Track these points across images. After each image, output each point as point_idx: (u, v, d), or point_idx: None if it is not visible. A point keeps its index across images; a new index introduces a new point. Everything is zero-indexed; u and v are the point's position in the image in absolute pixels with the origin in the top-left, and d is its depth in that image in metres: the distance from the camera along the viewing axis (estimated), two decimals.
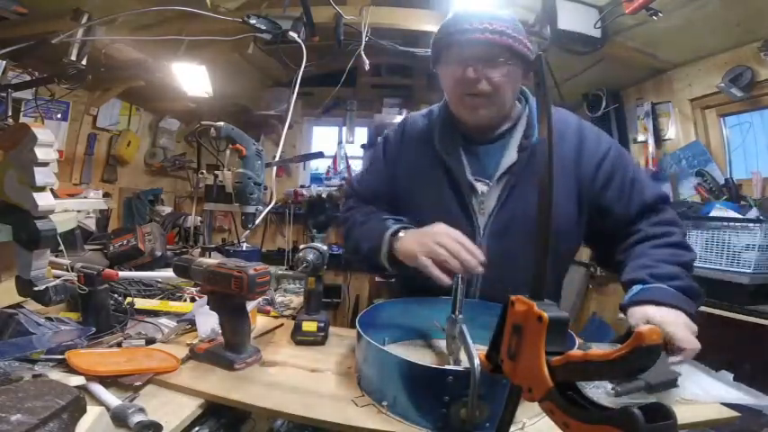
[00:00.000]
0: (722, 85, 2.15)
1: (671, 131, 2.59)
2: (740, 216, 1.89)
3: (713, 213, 1.96)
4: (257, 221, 1.53)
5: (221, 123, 1.43)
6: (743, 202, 2.11)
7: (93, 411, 0.56)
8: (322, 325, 0.99)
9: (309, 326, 0.99)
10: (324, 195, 3.60)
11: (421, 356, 0.88)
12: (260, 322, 1.10)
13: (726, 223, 1.85)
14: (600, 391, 0.72)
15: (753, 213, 1.90)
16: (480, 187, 1.02)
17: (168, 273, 1.25)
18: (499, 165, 1.01)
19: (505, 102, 1.00)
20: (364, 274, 3.78)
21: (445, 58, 1.00)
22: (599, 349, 0.35)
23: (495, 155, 1.03)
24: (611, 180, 1.00)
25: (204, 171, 1.79)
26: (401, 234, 0.96)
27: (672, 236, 0.96)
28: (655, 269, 0.88)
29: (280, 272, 1.42)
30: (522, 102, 1.09)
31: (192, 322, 1.00)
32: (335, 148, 3.99)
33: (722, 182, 2.29)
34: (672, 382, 0.77)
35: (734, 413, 0.73)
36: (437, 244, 0.85)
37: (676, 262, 0.90)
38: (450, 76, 0.99)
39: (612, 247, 1.02)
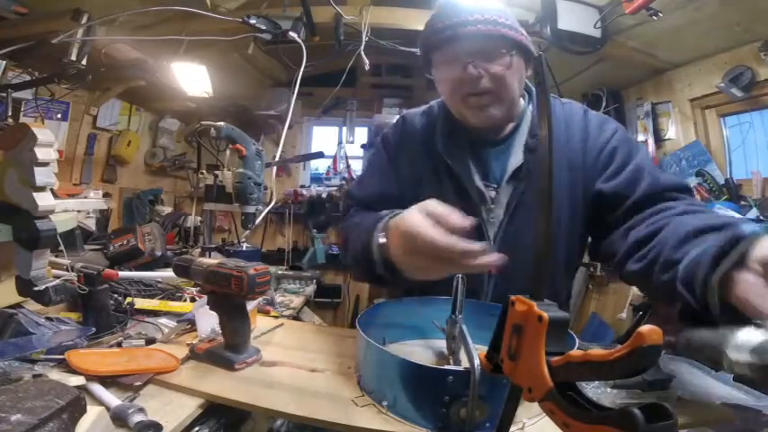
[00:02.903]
0: (722, 84, 2.15)
1: (671, 131, 2.60)
2: (740, 216, 1.89)
3: None
4: (257, 221, 1.53)
5: (221, 123, 1.43)
6: (743, 203, 2.11)
7: (93, 411, 0.56)
8: None
9: None
10: (324, 195, 3.61)
11: (421, 356, 0.88)
12: (260, 322, 1.10)
13: None
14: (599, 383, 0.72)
15: (753, 213, 1.90)
16: (488, 193, 0.94)
17: (168, 273, 1.25)
18: (506, 168, 0.94)
19: (514, 97, 0.92)
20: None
21: (439, 58, 0.92)
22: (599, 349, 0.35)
23: (501, 157, 0.95)
24: (612, 159, 0.90)
25: (204, 171, 1.79)
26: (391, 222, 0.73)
27: (705, 212, 0.78)
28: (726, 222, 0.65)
29: (280, 272, 1.42)
30: (526, 98, 1.01)
31: (192, 322, 1.00)
32: (335, 148, 4.00)
33: (722, 182, 2.29)
34: (668, 380, 0.77)
35: (734, 413, 0.73)
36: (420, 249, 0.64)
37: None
38: (449, 78, 0.91)
39: (609, 236, 0.87)
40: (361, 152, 3.96)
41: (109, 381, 0.72)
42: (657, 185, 0.85)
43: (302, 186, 3.90)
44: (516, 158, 0.93)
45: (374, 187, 1.02)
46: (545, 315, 0.37)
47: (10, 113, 2.10)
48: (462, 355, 0.78)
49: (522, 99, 1.00)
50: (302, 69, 1.61)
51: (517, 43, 0.88)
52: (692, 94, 2.43)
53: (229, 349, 0.84)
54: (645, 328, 0.30)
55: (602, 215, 0.90)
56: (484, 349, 0.49)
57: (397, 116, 1.12)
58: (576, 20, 2.09)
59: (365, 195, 1.02)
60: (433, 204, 0.66)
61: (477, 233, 0.90)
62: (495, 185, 0.94)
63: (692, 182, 2.42)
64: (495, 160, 0.96)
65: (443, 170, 0.96)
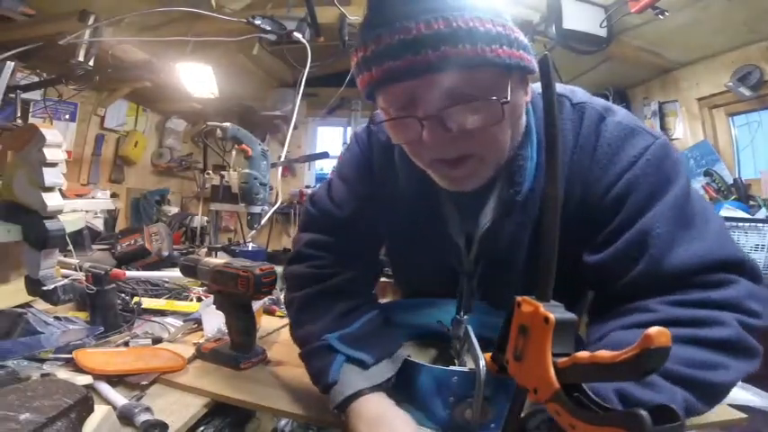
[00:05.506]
0: (730, 84, 2.14)
1: (678, 131, 2.58)
2: (749, 216, 1.88)
3: (722, 213, 1.95)
4: (263, 221, 1.53)
5: (227, 124, 1.44)
6: (752, 202, 2.09)
7: (100, 410, 0.57)
8: None
9: None
10: None
11: (425, 357, 0.88)
12: (266, 322, 1.11)
13: (734, 223, 1.83)
14: None
15: (762, 213, 1.89)
16: (465, 245, 0.72)
17: (175, 272, 1.26)
18: (477, 224, 0.69)
19: (504, 149, 0.60)
20: None
21: (381, 104, 0.58)
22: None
23: (478, 203, 0.69)
24: (615, 213, 0.60)
25: (210, 171, 1.80)
26: (356, 407, 0.63)
27: (708, 326, 0.53)
28: None
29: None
30: (526, 119, 0.66)
31: (199, 322, 1.00)
32: (340, 148, 4.00)
33: (730, 181, 2.27)
34: None
35: (742, 415, 0.72)
36: None
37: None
38: (401, 141, 0.60)
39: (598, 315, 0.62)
40: None
41: (116, 380, 0.73)
42: (659, 271, 0.56)
43: (307, 186, 3.92)
44: (486, 215, 0.68)
45: (342, 208, 0.78)
46: (551, 316, 0.37)
47: (19, 114, 2.12)
48: (467, 356, 0.78)
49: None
50: (307, 70, 1.61)
51: (513, 66, 0.53)
52: (700, 93, 2.41)
53: (235, 349, 0.84)
54: (653, 329, 0.29)
55: (588, 282, 0.66)
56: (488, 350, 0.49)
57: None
58: (581, 19, 2.08)
59: (327, 216, 0.79)
60: None
61: (452, 285, 0.77)
62: (471, 240, 0.72)
63: (701, 181, 2.40)
64: (468, 209, 0.70)
65: (411, 210, 0.74)
